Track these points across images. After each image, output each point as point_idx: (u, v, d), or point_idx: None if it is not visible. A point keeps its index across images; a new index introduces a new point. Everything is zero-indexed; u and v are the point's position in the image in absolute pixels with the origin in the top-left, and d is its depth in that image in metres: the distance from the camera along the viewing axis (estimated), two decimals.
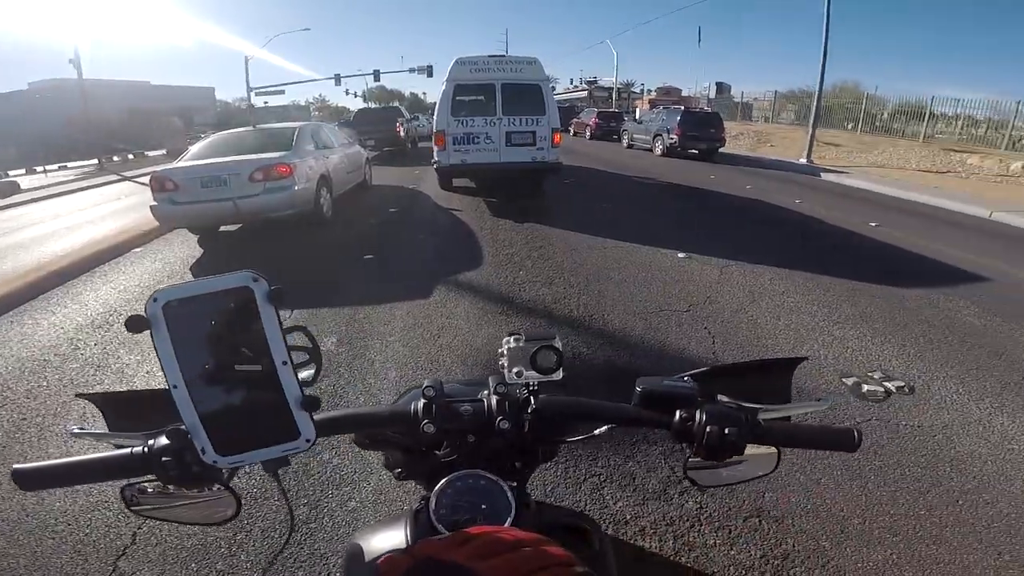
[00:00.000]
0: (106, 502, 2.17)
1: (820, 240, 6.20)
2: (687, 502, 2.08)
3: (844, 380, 2.98)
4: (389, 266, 5.27)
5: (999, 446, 2.40)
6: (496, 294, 4.43)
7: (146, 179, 6.29)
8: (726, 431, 0.58)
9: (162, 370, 0.46)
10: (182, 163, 6.34)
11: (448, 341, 3.56)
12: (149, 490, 0.61)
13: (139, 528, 2.04)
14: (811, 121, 14.44)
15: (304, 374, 0.58)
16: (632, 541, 1.91)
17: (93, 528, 2.06)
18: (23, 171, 21.03)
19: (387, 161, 15.04)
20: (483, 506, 0.63)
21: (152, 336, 0.46)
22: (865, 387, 2.88)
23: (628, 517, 2.02)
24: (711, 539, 1.91)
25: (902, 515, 2.00)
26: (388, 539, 0.68)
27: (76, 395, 0.76)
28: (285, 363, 0.48)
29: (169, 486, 0.58)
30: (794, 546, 1.87)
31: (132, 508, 0.62)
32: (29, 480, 0.55)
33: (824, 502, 2.07)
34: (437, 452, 0.68)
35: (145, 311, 0.46)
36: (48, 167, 22.13)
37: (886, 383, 2.92)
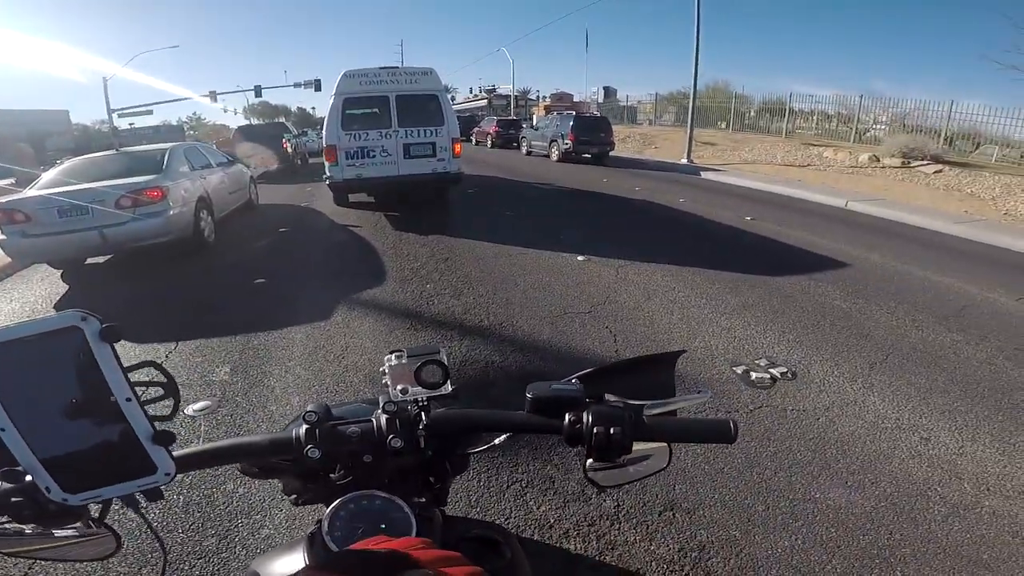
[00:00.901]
0: None
1: (704, 236, 6.72)
2: (604, 501, 2.13)
3: (734, 368, 3.19)
4: (283, 289, 4.96)
5: (874, 425, 2.64)
6: (403, 309, 4.33)
7: None
8: (611, 431, 0.58)
9: None
10: (33, 191, 5.59)
11: (354, 361, 3.42)
12: (14, 530, 0.57)
13: (30, 568, 1.88)
14: (689, 122, 15.59)
15: (163, 408, 0.56)
16: (558, 544, 1.93)
17: None
18: None
19: (275, 179, 14.26)
20: (382, 525, 0.62)
21: None
22: (753, 375, 3.10)
23: (552, 520, 2.04)
24: (631, 536, 1.97)
25: (800, 499, 2.12)
26: (286, 564, 0.66)
27: None
28: (129, 400, 0.47)
29: (33, 526, 0.55)
30: (708, 537, 1.95)
31: (3, 550, 0.59)
32: None
33: (730, 491, 2.18)
34: (332, 475, 0.66)
35: None
36: None
37: (771, 370, 3.16)
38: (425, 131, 7.94)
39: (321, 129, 8.96)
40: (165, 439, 0.50)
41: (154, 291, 5.14)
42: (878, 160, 12.84)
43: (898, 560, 1.86)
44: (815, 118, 19.48)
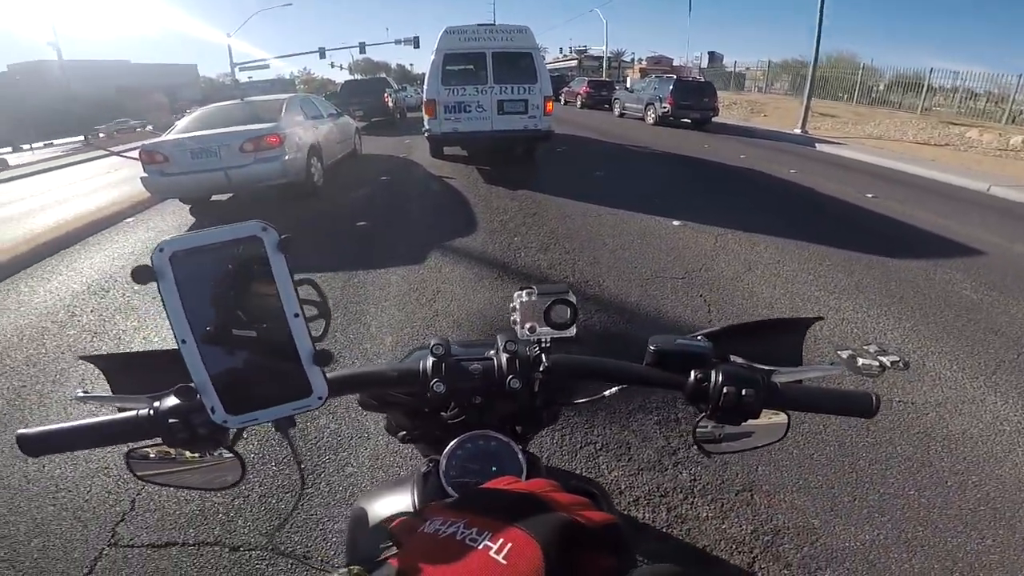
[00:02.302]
0: (106, 468, 2.17)
1: (816, 210, 6.18)
2: (681, 473, 2.08)
3: (839, 353, 2.96)
4: (382, 232, 5.23)
5: (991, 427, 2.38)
6: (490, 259, 4.42)
7: (133, 154, 6.23)
8: (743, 392, 0.56)
9: (170, 324, 0.44)
10: (172, 136, 6.24)
11: (443, 306, 3.56)
12: (152, 455, 0.59)
13: (138, 494, 2.04)
14: (806, 91, 14.23)
15: (314, 329, 0.57)
16: (626, 511, 1.92)
17: (93, 494, 2.06)
18: (9, 149, 20.68)
19: (377, 131, 14.79)
20: (493, 468, 0.62)
21: (159, 288, 0.43)
22: (860, 360, 2.86)
23: (623, 487, 2.02)
24: (703, 512, 1.91)
25: (891, 494, 1.99)
26: (395, 502, 0.66)
27: (79, 358, 0.73)
28: (297, 316, 0.46)
29: (173, 450, 0.56)
30: (784, 522, 1.87)
31: (136, 473, 0.60)
32: (33, 445, 0.53)
33: (815, 478, 2.06)
34: (443, 414, 0.66)
35: (151, 262, 0.43)
36: (34, 144, 21.71)
37: (881, 357, 2.90)
38: (518, 88, 7.96)
39: (419, 85, 9.18)
40: (324, 359, 0.48)
41: None
42: None
43: (982, 566, 1.71)
44: (958, 96, 17.30)
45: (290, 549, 1.79)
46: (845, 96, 20.63)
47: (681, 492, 2.00)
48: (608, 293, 3.72)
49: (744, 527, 1.85)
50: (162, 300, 0.43)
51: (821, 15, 13.57)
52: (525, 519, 0.39)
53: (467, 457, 0.63)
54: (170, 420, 0.51)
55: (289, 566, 1.74)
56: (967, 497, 1.98)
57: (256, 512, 1.94)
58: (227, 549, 1.81)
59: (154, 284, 0.43)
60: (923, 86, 17.54)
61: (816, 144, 12.39)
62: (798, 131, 13.85)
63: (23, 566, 1.79)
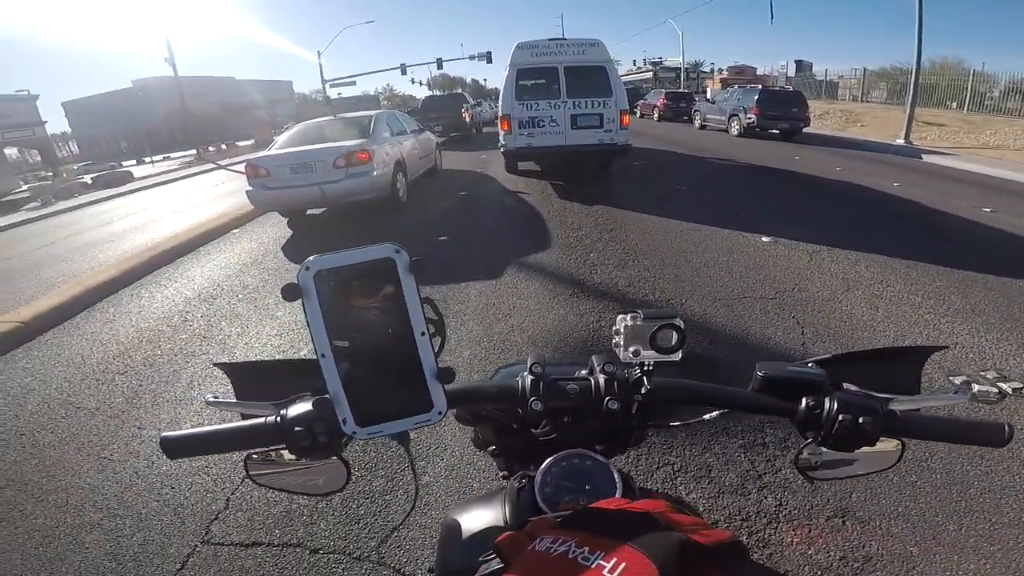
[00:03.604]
0: (205, 468, 2.34)
1: (924, 226, 5.65)
2: (766, 498, 1.99)
3: (952, 379, 2.73)
4: (462, 247, 5.38)
5: None
6: (566, 276, 4.41)
7: (239, 167, 6.82)
8: (860, 420, 0.55)
9: (311, 338, 0.47)
10: (272, 151, 6.75)
11: (519, 321, 3.59)
12: (267, 458, 0.62)
13: (232, 493, 2.18)
14: (909, 99, 13.10)
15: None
16: None
17: (192, 492, 2.22)
18: (133, 162, 23.36)
19: (454, 146, 15.27)
20: (587, 487, 0.62)
21: (303, 304, 0.46)
22: (976, 387, 2.63)
23: (701, 509, 1.96)
24: (788, 537, 1.83)
25: (1004, 524, 1.84)
26: (486, 516, 0.67)
27: (213, 364, 0.80)
28: (423, 334, 0.48)
29: (289, 455, 0.59)
30: (878, 549, 1.76)
31: (252, 476, 0.63)
32: (175, 448, 0.57)
33: (917, 506, 1.93)
34: (534, 431, 0.67)
35: (298, 279, 0.46)
36: (154, 158, 24.35)
37: (1000, 384, 2.65)
38: (593, 102, 7.92)
39: (493, 100, 9.38)
40: (447, 376, 0.50)
41: (357, 241, 5.86)
42: None
43: None
44: None
45: (378, 557, 1.85)
46: (954, 104, 19.05)
47: (765, 516, 1.92)
48: (692, 313, 3.60)
49: (832, 554, 1.76)
50: (305, 315, 0.46)
51: (921, 18, 12.52)
52: (639, 538, 0.38)
53: (562, 475, 0.63)
54: (295, 428, 0.54)
55: (368, 571, 1.79)
56: None
57: (337, 516, 2.02)
58: (308, 551, 1.89)
59: (299, 300, 0.46)
60: None
61: (922, 155, 11.39)
62: (901, 141, 12.79)
63: (123, 559, 1.93)
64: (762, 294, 3.87)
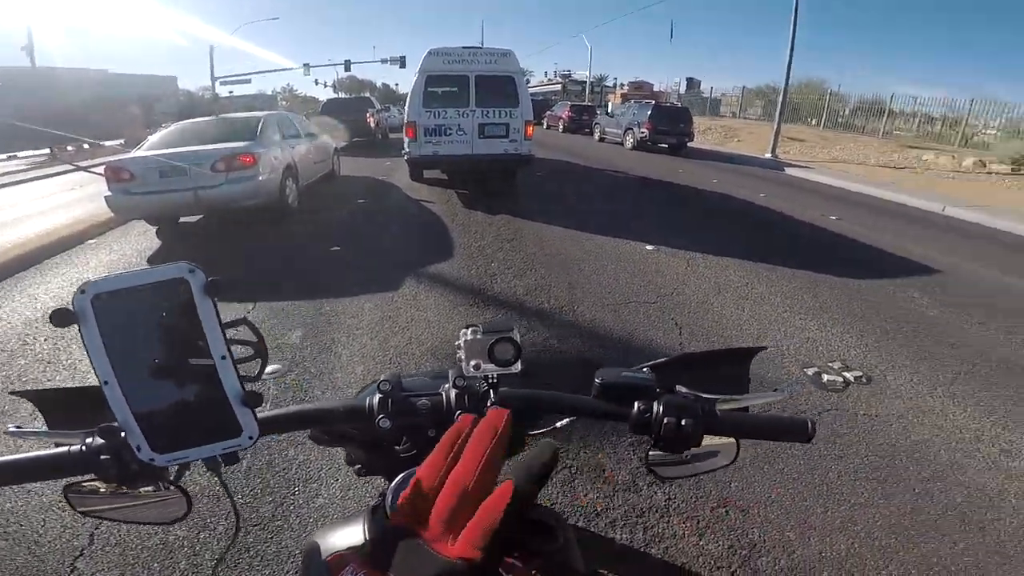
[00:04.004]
0: (60, 502, 2.06)
1: (783, 233, 6.38)
2: (656, 494, 2.10)
3: (805, 370, 3.06)
4: (357, 258, 5.19)
5: (952, 436, 2.49)
6: (467, 286, 4.41)
7: (102, 169, 6.05)
8: (683, 422, 0.58)
9: (91, 366, 0.44)
10: (139, 153, 6.10)
11: (418, 334, 3.52)
12: (90, 489, 0.59)
13: (96, 528, 1.97)
14: (777, 116, 14.73)
15: (249, 369, 0.56)
16: (604, 534, 1.92)
17: (48, 529, 1.99)
18: None
19: (357, 152, 14.76)
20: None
21: (80, 330, 0.43)
22: (825, 377, 2.97)
23: (599, 509, 2.03)
24: (679, 530, 1.93)
25: (861, 504, 2.06)
26: (346, 536, 0.66)
27: (10, 392, 0.71)
28: (224, 358, 0.47)
29: (112, 485, 0.56)
30: (760, 536, 1.91)
31: (78, 509, 0.60)
32: None
33: (788, 492, 2.12)
34: (397, 447, 0.67)
35: (72, 304, 0.43)
36: None
37: (845, 373, 3.02)
38: (500, 112, 7.99)
39: (403, 105, 9.19)
40: (254, 400, 0.49)
41: (238, 252, 5.50)
42: (984, 166, 11.74)
43: (959, 569, 1.77)
44: (917, 120, 18.31)
45: None
46: (813, 120, 21.37)
47: (657, 511, 2.02)
48: (583, 319, 3.75)
49: (721, 543, 1.88)
50: (83, 342, 0.44)
51: (792, 45, 14.11)
52: (410, 571, 0.40)
53: None
54: (101, 457, 0.51)
55: None
56: (935, 504, 2.06)
57: (223, 545, 1.89)
58: None
59: (74, 326, 0.44)
60: (885, 110, 18.34)
61: (785, 168, 12.80)
62: (768, 156, 14.29)
63: None
64: (646, 299, 4.12)
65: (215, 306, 0.46)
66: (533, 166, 8.95)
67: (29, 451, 0.55)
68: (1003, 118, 14.84)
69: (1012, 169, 11.10)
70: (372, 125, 17.46)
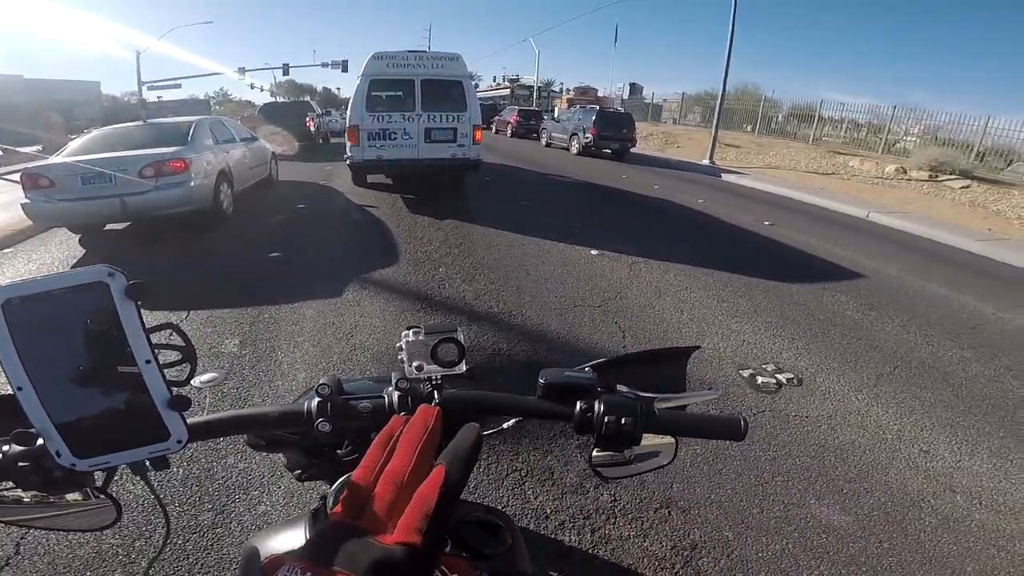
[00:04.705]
0: None
1: (720, 238, 6.67)
2: (602, 495, 2.15)
3: (741, 372, 3.20)
4: (297, 264, 5.04)
5: (876, 436, 2.64)
6: (414, 291, 4.37)
7: (17, 176, 5.63)
8: (623, 421, 0.58)
9: (4, 372, 0.43)
10: (59, 159, 5.69)
11: (362, 340, 3.47)
12: (13, 498, 0.56)
13: (23, 538, 1.89)
14: (714, 123, 15.38)
15: (178, 375, 0.55)
16: (553, 536, 1.95)
17: None
18: None
19: (296, 157, 14.33)
20: None
21: None
22: (760, 379, 3.11)
23: (548, 511, 2.06)
24: (625, 531, 1.99)
25: (795, 504, 2.15)
26: (287, 540, 0.66)
27: None
28: (149, 362, 0.46)
29: (36, 493, 0.54)
30: (701, 537, 1.97)
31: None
32: None
33: (726, 492, 2.20)
34: (339, 451, 0.67)
35: None
36: None
37: (778, 375, 3.17)
38: (447, 116, 7.96)
39: (345, 109, 8.99)
40: (181, 404, 0.49)
41: (170, 260, 5.22)
42: (905, 172, 12.63)
43: (884, 568, 1.88)
44: (844, 126, 19.04)
45: None
46: (748, 127, 21.99)
47: (603, 513, 2.06)
48: (530, 323, 3.79)
49: (664, 543, 1.94)
50: None
51: (729, 56, 14.77)
52: (348, 559, 0.39)
53: None
54: (19, 463, 0.50)
55: None
56: (861, 503, 2.18)
57: (155, 549, 1.84)
58: None
59: None
60: (815, 117, 19.12)
61: (721, 174, 13.40)
62: (706, 162, 14.91)
63: None
64: (590, 303, 4.21)
65: (138, 310, 0.45)
66: (482, 171, 8.97)
67: None
68: (922, 125, 15.67)
69: (930, 176, 11.94)
70: (312, 129, 17.04)
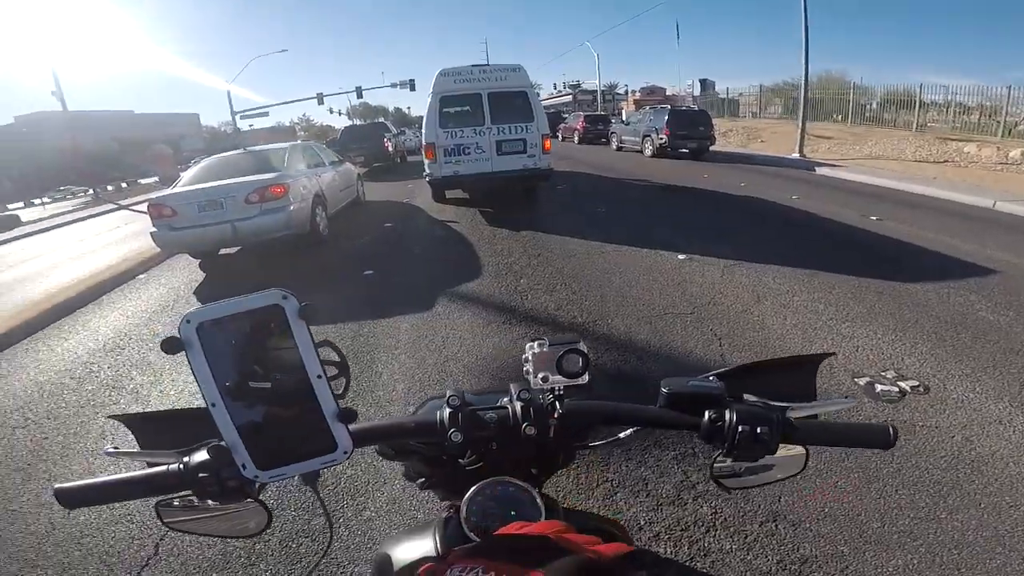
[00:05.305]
0: (129, 515, 2.24)
1: (821, 236, 6.17)
2: (702, 507, 2.06)
3: (856, 380, 2.93)
4: (389, 280, 5.27)
5: (1020, 446, 2.35)
6: (497, 303, 4.42)
7: (142, 207, 6.35)
8: (759, 430, 0.58)
9: (200, 389, 0.47)
10: (178, 189, 6.34)
11: (453, 352, 3.56)
12: (179, 504, 0.62)
13: (161, 539, 2.11)
14: (800, 115, 14.42)
15: (335, 387, 0.58)
16: (648, 546, 1.90)
17: (118, 540, 2.14)
18: (21, 204, 21.12)
19: (378, 177, 15.07)
20: (512, 512, 0.64)
21: (187, 356, 0.47)
22: (878, 387, 2.84)
23: (642, 523, 2.01)
24: (727, 544, 1.90)
25: (922, 519, 1.97)
26: (417, 548, 0.68)
27: (108, 416, 0.76)
28: (320, 377, 0.49)
29: (203, 501, 0.58)
30: (812, 551, 1.84)
31: (164, 522, 0.63)
32: (71, 498, 0.57)
33: (842, 506, 2.04)
34: (460, 461, 0.68)
35: (179, 333, 0.47)
36: (45, 199, 22.22)
37: (900, 383, 2.88)
38: (516, 127, 8.02)
39: (417, 128, 9.34)
40: (348, 417, 0.51)
41: (276, 280, 5.51)
42: None
43: None
44: (951, 111, 17.28)
45: None
46: (838, 116, 20.64)
47: (703, 526, 1.98)
48: (617, 332, 3.69)
49: (770, 557, 1.83)
50: (191, 367, 0.47)
51: (807, 37, 13.87)
52: (540, 562, 0.41)
53: (486, 502, 0.65)
54: (200, 474, 0.54)
55: None
56: (1003, 519, 1.95)
57: (277, 557, 1.98)
58: None
59: (182, 352, 0.47)
60: (915, 102, 17.52)
61: (815, 168, 12.50)
62: (796, 155, 14.00)
63: None
64: (681, 310, 4.03)
65: (309, 329, 0.49)
66: (553, 179, 8.96)
67: (124, 471, 0.59)
68: None
69: None
70: (390, 149, 17.81)
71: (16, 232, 13.15)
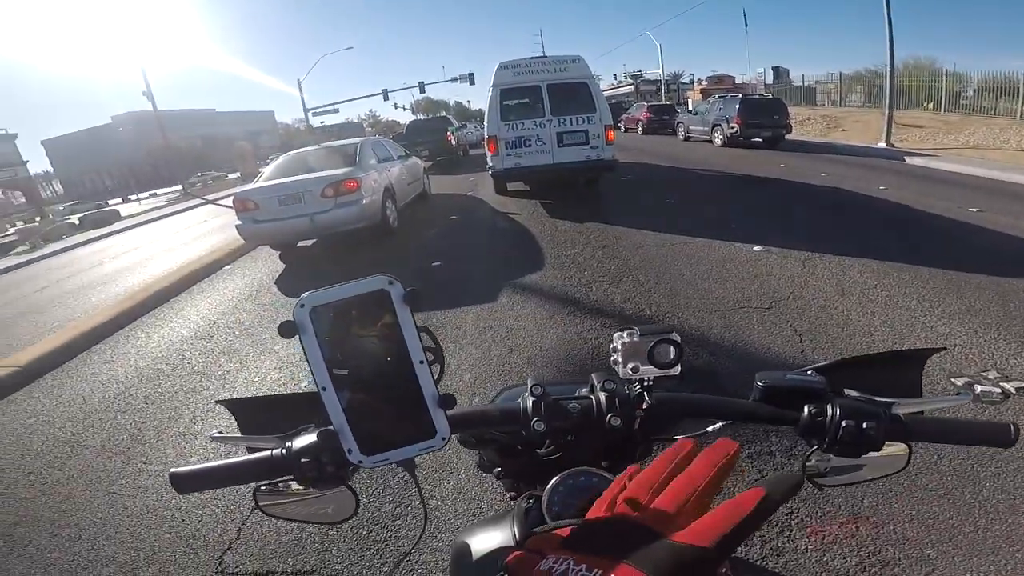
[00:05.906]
0: (213, 499, 2.36)
1: (913, 228, 5.71)
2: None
3: (953, 380, 2.72)
4: (456, 271, 5.37)
5: None
6: (561, 295, 4.40)
7: (226, 201, 6.83)
8: (864, 426, 0.55)
9: (311, 373, 0.47)
10: (259, 184, 6.74)
11: (517, 343, 3.58)
12: (274, 489, 0.63)
13: (243, 524, 2.20)
14: (886, 102, 13.40)
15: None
16: None
17: (203, 524, 2.25)
18: (119, 200, 23.27)
19: (442, 170, 15.35)
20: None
21: (301, 341, 0.47)
22: (979, 387, 2.62)
23: None
24: (802, 545, 1.83)
25: (1022, 524, 1.83)
26: (496, 537, 0.68)
27: (216, 402, 0.79)
28: (422, 362, 0.49)
29: (296, 486, 0.59)
30: (895, 554, 1.76)
31: (263, 508, 0.63)
32: (184, 483, 0.58)
33: (931, 509, 1.93)
34: (538, 451, 0.68)
35: (293, 317, 0.47)
36: (140, 195, 24.30)
37: (1003, 384, 2.64)
38: (577, 119, 7.93)
39: (478, 121, 9.44)
40: (448, 403, 0.51)
41: (351, 271, 5.86)
42: None
43: None
44: None
45: None
46: (929, 104, 19.25)
47: (777, 525, 1.92)
48: (688, 326, 3.58)
49: (848, 559, 1.76)
50: (304, 351, 0.47)
51: (890, 21, 12.84)
52: (635, 553, 0.40)
53: (568, 493, 0.64)
54: (302, 459, 0.54)
55: None
56: None
57: (348, 544, 2.04)
58: None
59: (296, 336, 0.47)
60: (1018, 89, 15.96)
61: (905, 157, 11.57)
62: (882, 144, 13.04)
63: None
64: (758, 304, 3.86)
65: (412, 315, 0.49)
66: (618, 171, 8.78)
67: (234, 456, 0.60)
68: None
69: None
70: (453, 143, 18.09)
71: (116, 226, 14.50)
